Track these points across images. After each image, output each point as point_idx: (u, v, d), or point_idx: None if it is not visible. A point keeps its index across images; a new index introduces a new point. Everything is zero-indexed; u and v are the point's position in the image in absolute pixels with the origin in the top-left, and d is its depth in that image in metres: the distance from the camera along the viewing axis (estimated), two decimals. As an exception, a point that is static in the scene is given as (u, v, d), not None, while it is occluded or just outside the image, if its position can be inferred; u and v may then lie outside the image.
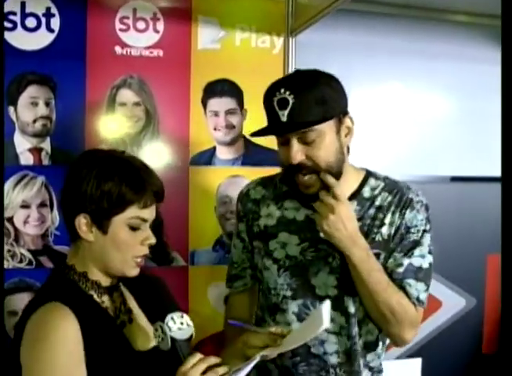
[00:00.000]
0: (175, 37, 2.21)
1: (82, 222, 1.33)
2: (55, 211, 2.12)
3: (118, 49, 2.17)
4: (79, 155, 1.44)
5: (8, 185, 2.09)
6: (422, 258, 1.59)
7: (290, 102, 1.46)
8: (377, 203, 1.61)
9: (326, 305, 1.39)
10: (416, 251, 1.59)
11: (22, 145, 2.11)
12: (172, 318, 1.32)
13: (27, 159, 2.11)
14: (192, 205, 2.21)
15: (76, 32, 2.13)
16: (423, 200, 1.64)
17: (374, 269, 1.53)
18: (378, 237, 1.59)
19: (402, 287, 1.56)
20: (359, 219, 1.57)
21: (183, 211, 2.16)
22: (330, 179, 1.50)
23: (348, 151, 1.60)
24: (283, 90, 1.48)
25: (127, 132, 2.18)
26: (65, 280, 1.38)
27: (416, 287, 1.58)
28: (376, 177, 1.66)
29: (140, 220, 1.36)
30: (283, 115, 1.47)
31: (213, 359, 1.31)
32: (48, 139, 2.12)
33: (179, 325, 1.32)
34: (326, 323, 1.35)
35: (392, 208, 1.60)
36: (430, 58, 2.50)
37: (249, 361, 1.39)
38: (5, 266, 2.10)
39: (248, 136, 2.22)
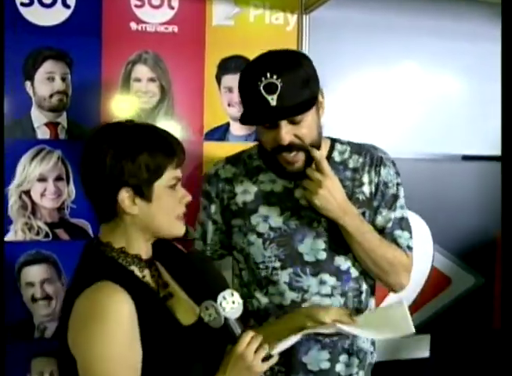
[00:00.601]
0: (190, 14, 2.22)
1: (125, 197, 1.34)
2: (72, 185, 2.16)
3: (133, 25, 2.18)
4: (99, 131, 1.42)
5: (25, 159, 2.13)
6: (402, 209, 1.78)
7: (279, 86, 1.51)
8: (351, 165, 1.74)
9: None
10: (397, 204, 1.77)
11: (39, 119, 2.14)
12: (224, 297, 1.35)
13: (43, 133, 2.14)
14: (207, 180, 2.25)
15: (92, 8, 2.15)
16: (390, 157, 1.80)
17: (366, 230, 1.67)
18: (361, 196, 1.73)
19: (393, 240, 1.73)
20: (339, 181, 1.66)
21: (196, 185, 2.15)
22: (317, 154, 1.59)
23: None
24: (269, 74, 1.51)
25: (141, 107, 2.20)
26: (104, 257, 1.38)
27: (403, 237, 1.76)
28: (341, 142, 1.79)
29: (176, 179, 1.40)
30: (273, 100, 1.52)
31: (259, 336, 1.37)
32: (64, 114, 2.15)
33: (231, 304, 1.35)
34: (413, 329, 1.46)
35: (367, 168, 1.75)
36: (444, 37, 2.50)
37: (297, 335, 1.47)
38: (23, 239, 2.15)
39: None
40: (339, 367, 1.75)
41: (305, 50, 2.28)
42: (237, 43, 2.26)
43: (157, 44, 2.20)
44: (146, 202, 1.36)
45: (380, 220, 1.74)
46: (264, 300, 1.74)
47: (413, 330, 1.45)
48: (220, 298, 1.35)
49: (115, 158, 1.33)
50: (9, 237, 2.13)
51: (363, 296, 1.77)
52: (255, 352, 1.34)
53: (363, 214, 1.71)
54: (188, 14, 2.22)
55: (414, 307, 2.60)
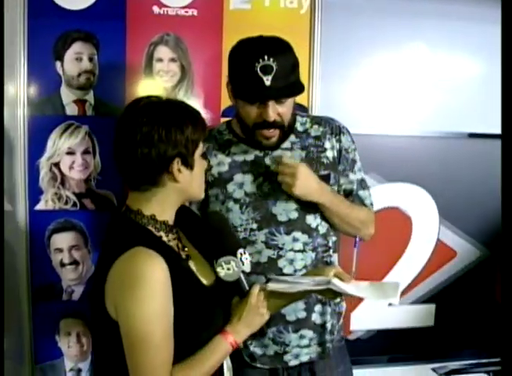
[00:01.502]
0: None
1: (176, 168, 1.45)
2: (98, 158, 2.28)
3: (156, 9, 2.28)
4: (140, 107, 1.47)
5: (55, 133, 2.25)
6: (360, 172, 1.99)
7: (274, 68, 1.66)
8: (313, 134, 1.92)
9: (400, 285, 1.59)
10: (356, 167, 1.97)
11: (68, 97, 2.25)
12: (241, 253, 1.53)
13: (72, 110, 2.26)
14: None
15: (117, -7, 2.25)
16: (345, 126, 1.98)
17: (339, 200, 1.89)
18: (325, 160, 1.91)
19: (360, 200, 1.96)
20: (304, 148, 1.89)
21: None
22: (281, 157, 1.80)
23: None
24: (266, 57, 1.67)
25: (163, 86, 2.30)
26: (135, 224, 1.47)
27: (366, 195, 1.99)
28: (301, 115, 1.97)
29: (203, 150, 1.56)
30: (267, 80, 1.67)
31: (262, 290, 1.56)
32: (91, 92, 2.26)
33: (245, 260, 1.54)
34: (397, 300, 1.54)
35: (327, 136, 1.92)
36: (453, 19, 2.55)
37: (319, 286, 1.56)
38: (52, 208, 2.28)
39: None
40: (314, 316, 1.90)
41: (318, 33, 2.37)
42: (253, 26, 2.30)
43: (178, 26, 2.29)
44: (189, 170, 1.48)
45: (345, 182, 1.95)
46: None
47: (398, 301, 1.54)
48: (238, 253, 1.53)
49: (164, 130, 1.43)
50: (39, 206, 2.26)
51: (331, 251, 1.94)
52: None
53: (329, 175, 1.90)
54: (207, -2, 2.31)
55: (420, 278, 2.68)
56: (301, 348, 1.91)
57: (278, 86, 1.68)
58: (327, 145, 1.91)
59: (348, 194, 1.96)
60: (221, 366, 1.57)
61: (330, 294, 1.63)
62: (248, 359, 1.91)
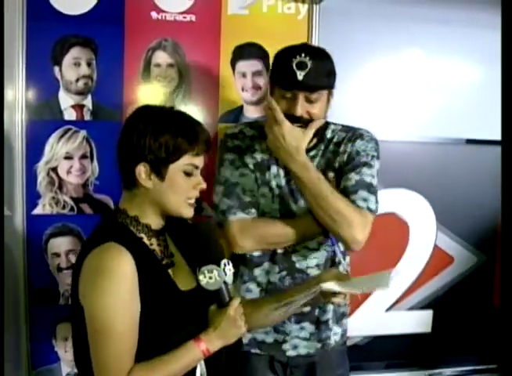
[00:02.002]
0: (207, 3, 2.32)
1: (142, 171, 1.48)
2: (95, 163, 2.28)
3: (154, 14, 2.28)
4: (137, 110, 1.56)
5: (53, 138, 2.25)
6: (372, 177, 1.91)
7: (309, 65, 1.78)
8: (335, 140, 1.97)
9: (394, 273, 1.59)
10: (365, 170, 1.91)
11: (66, 102, 2.25)
12: (225, 264, 1.53)
13: (70, 115, 2.26)
14: (220, 159, 2.36)
15: (115, -2, 2.26)
16: (373, 136, 1.98)
17: (314, 178, 1.82)
18: (337, 164, 1.94)
19: (354, 198, 1.86)
20: (323, 154, 1.95)
21: (210, 164, 2.26)
22: (272, 103, 1.80)
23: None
24: (303, 54, 1.79)
25: (161, 91, 2.31)
26: (116, 222, 1.53)
27: (369, 199, 1.88)
28: (334, 123, 2.01)
29: (193, 167, 1.52)
30: (300, 75, 1.78)
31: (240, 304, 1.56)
32: (89, 97, 2.26)
33: (228, 272, 1.53)
34: (386, 286, 1.54)
35: (345, 141, 1.96)
36: (451, 25, 2.56)
37: (309, 291, 1.58)
38: (50, 212, 2.28)
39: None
40: (317, 312, 1.97)
41: (315, 38, 2.38)
42: (251, 31, 2.35)
43: (176, 32, 2.30)
44: (159, 179, 1.49)
45: (343, 179, 1.91)
46: None
47: (389, 286, 1.54)
48: (222, 264, 1.53)
49: (141, 135, 1.48)
50: (37, 211, 2.26)
51: (345, 253, 1.98)
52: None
53: (335, 180, 1.92)
54: (205, 4, 2.31)
55: (417, 284, 2.68)
56: (301, 340, 1.97)
57: (309, 83, 1.78)
58: (341, 149, 1.95)
59: (342, 190, 1.89)
60: (193, 372, 1.56)
61: (329, 297, 1.65)
62: (247, 346, 1.99)
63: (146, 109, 1.56)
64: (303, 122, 1.83)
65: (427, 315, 2.72)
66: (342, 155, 1.93)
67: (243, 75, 2.37)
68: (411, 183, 2.59)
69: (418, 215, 2.64)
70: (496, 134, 2.39)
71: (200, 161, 1.55)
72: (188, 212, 1.56)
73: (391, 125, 2.58)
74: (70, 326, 2.22)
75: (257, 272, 1.97)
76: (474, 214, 2.68)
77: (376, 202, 1.91)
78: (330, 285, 1.58)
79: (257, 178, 1.95)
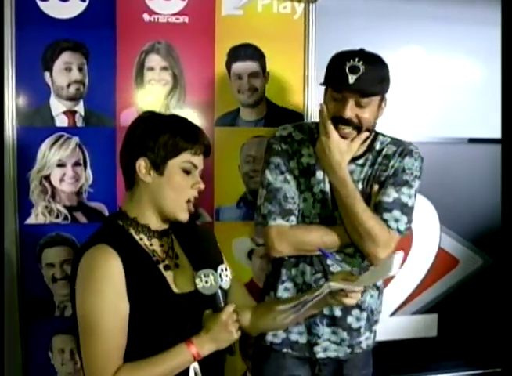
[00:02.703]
0: (200, 4, 2.29)
1: (142, 165, 1.54)
2: (89, 170, 2.25)
3: (146, 17, 2.25)
4: (143, 115, 1.64)
5: (45, 145, 2.22)
6: (409, 198, 1.94)
7: (361, 70, 1.80)
8: (384, 152, 1.98)
9: (398, 256, 1.54)
10: (405, 189, 1.93)
11: (57, 108, 2.22)
12: (222, 270, 1.54)
13: (62, 121, 2.22)
14: (217, 164, 2.32)
15: (106, 1, 2.22)
16: (420, 153, 1.99)
17: (350, 193, 1.87)
18: (382, 178, 1.95)
19: (386, 217, 1.90)
20: (371, 166, 1.96)
21: (209, 169, 2.24)
22: (323, 113, 1.85)
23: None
24: (357, 59, 1.82)
25: (155, 95, 2.27)
26: (114, 225, 1.58)
27: (401, 220, 1.92)
28: (384, 135, 2.04)
29: (191, 165, 1.57)
30: (352, 78, 1.80)
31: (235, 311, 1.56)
32: (81, 103, 2.23)
33: (225, 277, 1.54)
34: (395, 271, 1.53)
35: (396, 156, 1.97)
36: (450, 22, 2.53)
37: (319, 291, 1.57)
38: (43, 222, 2.24)
39: (270, 98, 2.35)
40: (350, 319, 1.98)
41: (312, 38, 2.34)
42: (246, 32, 2.32)
43: (169, 34, 2.27)
44: (158, 175, 1.53)
45: (381, 193, 1.93)
46: None
47: (394, 271, 1.53)
48: (219, 269, 1.53)
49: (142, 135, 1.55)
50: (30, 220, 2.22)
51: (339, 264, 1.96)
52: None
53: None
54: (198, 5, 2.28)
55: (422, 288, 2.66)
56: (331, 344, 2.01)
57: (360, 87, 1.79)
58: (391, 164, 1.96)
59: (377, 205, 1.93)
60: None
61: (340, 297, 1.62)
62: (279, 345, 2.02)
63: (150, 113, 1.64)
64: (351, 125, 1.85)
65: (433, 319, 2.69)
66: (391, 169, 1.95)
67: (239, 77, 2.34)
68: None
69: (421, 217, 2.58)
70: (498, 132, 2.36)
71: (198, 161, 1.59)
72: (184, 216, 1.59)
73: (393, 126, 2.52)
74: (67, 338, 2.28)
75: (294, 272, 2.01)
76: (478, 214, 2.66)
77: (408, 222, 1.95)
78: (338, 284, 1.58)
79: (301, 183, 1.98)
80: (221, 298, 1.54)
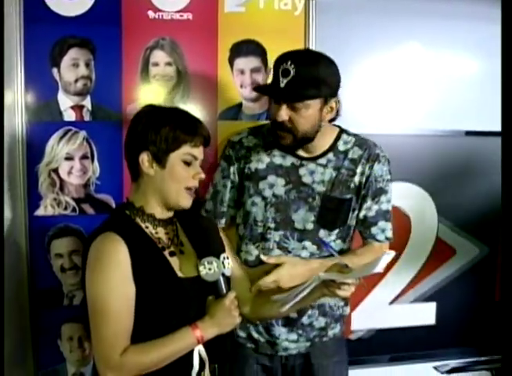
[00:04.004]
0: (203, 2, 2.32)
1: (145, 159, 1.60)
2: (96, 163, 2.29)
3: (151, 13, 2.29)
4: (144, 108, 1.70)
5: (53, 139, 2.26)
6: (388, 203, 2.01)
7: (291, 73, 1.79)
8: (350, 156, 1.96)
9: (387, 257, 1.62)
10: (383, 197, 2.01)
11: (65, 103, 2.26)
12: (225, 258, 1.61)
13: (69, 115, 2.27)
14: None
15: (112, -2, 2.27)
16: (386, 155, 2.02)
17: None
18: (352, 185, 1.98)
19: (374, 230, 2.00)
20: (336, 169, 1.94)
21: (212, 161, 2.28)
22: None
23: (338, 115, 1.94)
24: (289, 62, 1.80)
25: (160, 90, 2.31)
26: (121, 214, 1.66)
27: (387, 228, 2.03)
28: (348, 133, 2.02)
29: (192, 157, 1.63)
30: (283, 82, 1.81)
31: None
32: (88, 97, 2.27)
33: (227, 265, 1.61)
34: (379, 269, 1.60)
35: (362, 161, 1.98)
36: (448, 18, 2.57)
37: (310, 282, 1.64)
38: (52, 213, 2.29)
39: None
40: (304, 319, 2.04)
41: (312, 34, 2.38)
42: (248, 28, 2.35)
43: (173, 30, 2.30)
44: (160, 167, 1.60)
45: (364, 208, 2.01)
46: (255, 252, 2.02)
47: (379, 269, 1.59)
48: (222, 257, 1.61)
49: (144, 128, 1.61)
50: (39, 212, 2.27)
51: (336, 254, 1.98)
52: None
53: (351, 200, 1.98)
54: (201, 2, 2.32)
55: (420, 277, 2.70)
56: (289, 343, 2.05)
57: (290, 90, 1.80)
58: (358, 170, 1.98)
59: (363, 221, 2.02)
60: (190, 359, 1.62)
61: (333, 289, 1.68)
62: (247, 342, 2.09)
63: (151, 106, 1.70)
64: (286, 130, 1.86)
65: (431, 307, 2.73)
66: (360, 176, 1.98)
67: (242, 72, 2.37)
68: (411, 176, 2.60)
69: (419, 208, 2.65)
70: (495, 125, 2.40)
71: (199, 153, 1.65)
72: (186, 202, 1.66)
73: (391, 119, 2.59)
74: (76, 326, 2.34)
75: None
76: (475, 205, 2.70)
77: (391, 228, 2.05)
78: (329, 275, 1.65)
79: (249, 187, 2.01)
80: (223, 285, 1.61)
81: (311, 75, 1.81)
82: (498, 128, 2.34)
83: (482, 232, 2.74)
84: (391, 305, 2.70)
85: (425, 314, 2.72)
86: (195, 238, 1.67)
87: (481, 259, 2.76)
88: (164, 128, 1.59)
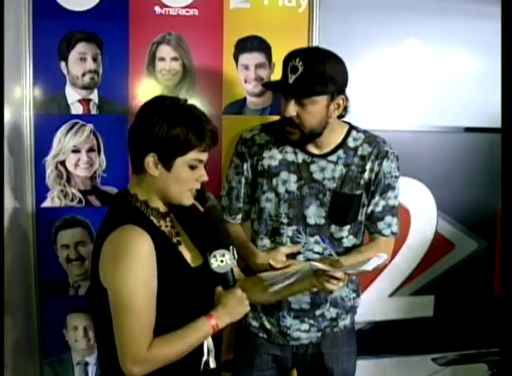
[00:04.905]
0: None
1: (150, 161, 1.56)
2: (103, 155, 2.33)
3: (158, 9, 2.32)
4: (148, 101, 1.63)
5: (60, 132, 2.29)
6: (395, 199, 2.05)
7: (300, 70, 1.83)
8: (359, 152, 2.02)
9: (379, 259, 1.70)
10: (390, 193, 2.04)
11: (72, 96, 2.29)
12: (233, 249, 1.64)
13: (77, 109, 2.30)
14: (225, 151, 2.40)
15: (119, -7, 2.29)
16: (395, 152, 2.05)
17: None
18: (362, 181, 2.01)
19: (381, 225, 2.04)
20: (347, 165, 1.98)
21: (216, 155, 2.34)
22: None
23: (346, 112, 1.98)
24: (297, 59, 1.84)
25: (166, 84, 2.35)
26: (130, 206, 1.61)
27: (393, 223, 2.07)
28: (358, 130, 2.05)
29: (198, 161, 1.59)
30: (291, 78, 1.85)
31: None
32: (95, 91, 2.30)
33: (236, 256, 1.66)
34: (368, 268, 1.68)
35: (372, 158, 2.01)
36: (449, 15, 2.60)
37: (300, 268, 1.72)
38: (58, 205, 2.32)
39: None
40: (317, 311, 2.07)
41: (316, 31, 2.42)
42: (253, 24, 2.39)
43: (179, 26, 2.33)
44: (165, 170, 1.57)
45: (372, 204, 2.04)
46: (269, 246, 2.05)
47: (368, 269, 1.69)
48: (231, 249, 1.65)
49: (154, 126, 1.54)
50: (46, 204, 2.31)
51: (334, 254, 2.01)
52: None
53: (361, 196, 2.01)
54: (207, -2, 2.35)
55: (419, 270, 2.74)
56: (301, 333, 2.08)
57: (297, 86, 1.83)
58: (368, 166, 2.01)
59: (370, 215, 2.05)
60: (201, 348, 1.65)
61: (322, 280, 1.75)
62: (260, 332, 2.11)
63: (161, 100, 1.63)
64: (294, 126, 1.90)
65: (429, 300, 2.77)
66: (370, 172, 2.01)
67: (246, 68, 2.41)
68: (411, 171, 2.62)
69: (419, 203, 2.69)
70: (494, 122, 2.45)
71: (205, 156, 1.62)
72: (188, 201, 1.65)
73: (392, 115, 2.62)
74: (81, 316, 2.37)
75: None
76: (474, 201, 2.74)
77: (397, 223, 2.08)
78: (320, 265, 1.71)
79: (263, 184, 2.04)
80: (231, 276, 1.66)
81: (318, 72, 1.84)
82: (496, 124, 2.38)
83: (481, 227, 2.78)
84: (391, 297, 2.73)
85: (424, 307, 2.77)
86: (202, 229, 1.70)
87: (479, 253, 2.80)
88: (175, 129, 1.54)
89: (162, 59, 2.35)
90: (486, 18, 2.51)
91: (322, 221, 2.01)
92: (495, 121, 2.41)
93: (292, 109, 1.87)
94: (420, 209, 2.69)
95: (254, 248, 2.04)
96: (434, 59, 2.64)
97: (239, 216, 2.12)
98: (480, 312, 2.83)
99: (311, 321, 2.06)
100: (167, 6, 2.33)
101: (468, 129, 2.70)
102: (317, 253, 2.01)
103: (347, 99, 1.94)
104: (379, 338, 2.73)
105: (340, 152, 2.00)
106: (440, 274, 2.77)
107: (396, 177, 2.04)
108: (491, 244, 2.80)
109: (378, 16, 2.53)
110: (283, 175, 2.01)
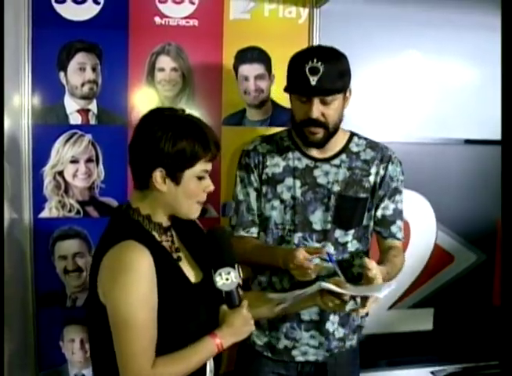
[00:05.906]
0: (209, 8, 2.36)
1: (158, 176, 1.53)
2: (101, 166, 2.32)
3: (157, 19, 2.32)
4: (147, 114, 1.61)
5: (59, 142, 2.28)
6: (402, 203, 2.09)
7: (321, 70, 1.84)
8: (362, 157, 2.04)
9: (389, 287, 1.69)
10: (397, 197, 2.06)
11: (71, 106, 2.28)
12: (239, 266, 1.63)
13: (75, 119, 2.29)
14: (224, 161, 2.39)
15: (119, 4, 2.29)
16: (398, 158, 2.08)
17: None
18: (367, 184, 2.02)
19: (395, 229, 2.05)
20: (350, 169, 1.99)
21: (216, 166, 2.22)
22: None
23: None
24: (315, 60, 1.85)
25: (165, 95, 2.34)
26: (131, 220, 1.59)
27: (401, 226, 2.08)
28: (359, 137, 2.09)
29: (205, 172, 1.58)
30: (313, 80, 1.85)
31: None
32: (94, 101, 2.30)
33: (241, 274, 1.64)
34: (381, 295, 1.66)
35: (376, 162, 2.04)
36: (448, 27, 2.61)
37: (310, 287, 1.70)
38: (56, 215, 2.31)
39: (275, 100, 2.43)
40: (328, 324, 2.04)
41: (316, 42, 2.41)
42: (253, 35, 2.39)
43: (179, 36, 2.33)
44: (174, 184, 1.55)
45: (382, 208, 2.05)
46: None
47: (380, 295, 1.66)
48: (236, 267, 1.62)
49: (159, 140, 1.52)
50: (44, 214, 2.29)
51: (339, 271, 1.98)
52: None
53: (367, 199, 2.02)
54: (207, 9, 2.35)
55: (418, 282, 2.73)
56: (310, 348, 2.05)
57: (322, 87, 1.85)
58: (373, 170, 2.03)
59: (382, 220, 2.05)
60: (204, 368, 1.62)
61: (327, 300, 1.75)
62: (264, 350, 2.08)
63: (159, 113, 1.61)
64: (320, 125, 1.90)
65: (428, 313, 2.77)
66: (375, 176, 2.02)
67: (246, 78, 2.41)
68: (411, 183, 2.58)
69: (418, 215, 2.69)
70: (494, 134, 2.44)
71: (211, 166, 1.61)
72: (195, 215, 1.64)
73: (391, 127, 2.62)
74: (78, 328, 2.35)
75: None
76: (474, 213, 2.74)
77: (402, 227, 2.10)
78: (328, 285, 1.69)
79: (268, 192, 2.03)
80: (236, 295, 1.63)
81: (337, 69, 1.88)
82: (496, 136, 2.37)
83: (480, 239, 2.78)
84: (390, 310, 2.73)
85: (423, 319, 2.76)
86: (200, 247, 1.69)
87: (478, 266, 2.80)
88: (181, 142, 1.52)
89: (162, 69, 2.34)
90: (486, 30, 2.51)
91: (328, 226, 2.00)
92: (496, 133, 2.40)
93: (317, 109, 1.88)
94: (419, 221, 2.69)
95: (285, 247, 2.01)
96: (433, 71, 2.65)
97: (253, 229, 2.07)
98: (479, 325, 2.82)
99: (322, 339, 2.04)
100: (167, 17, 2.33)
101: (468, 141, 2.71)
102: (323, 260, 1.94)
103: (351, 90, 1.98)
104: (378, 351, 2.71)
105: (343, 156, 2.02)
106: (439, 287, 2.76)
107: (402, 181, 2.07)
108: (490, 257, 2.79)
109: (377, 28, 2.54)
110: (288, 181, 2.01)
